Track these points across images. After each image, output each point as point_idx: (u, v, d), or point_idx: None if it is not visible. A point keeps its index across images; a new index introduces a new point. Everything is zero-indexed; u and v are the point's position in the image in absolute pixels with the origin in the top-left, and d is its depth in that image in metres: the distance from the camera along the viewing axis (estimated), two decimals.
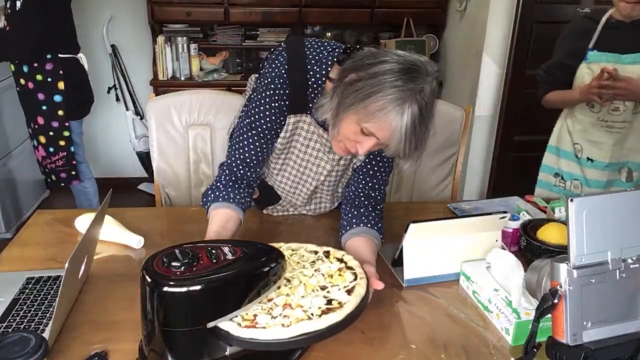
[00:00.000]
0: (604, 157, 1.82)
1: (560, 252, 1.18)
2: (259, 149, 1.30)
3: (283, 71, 1.23)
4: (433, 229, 1.20)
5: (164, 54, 3.37)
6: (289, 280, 1.02)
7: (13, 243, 1.36)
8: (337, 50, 1.25)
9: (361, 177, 1.36)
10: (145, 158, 3.58)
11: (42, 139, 2.69)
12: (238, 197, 1.28)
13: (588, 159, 1.84)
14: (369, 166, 1.35)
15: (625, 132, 1.77)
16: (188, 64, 3.42)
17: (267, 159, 1.36)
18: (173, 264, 0.88)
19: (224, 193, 1.27)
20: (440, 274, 1.24)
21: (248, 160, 1.30)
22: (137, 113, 3.68)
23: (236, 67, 3.61)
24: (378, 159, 1.34)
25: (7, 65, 2.75)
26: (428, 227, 1.19)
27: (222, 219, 1.22)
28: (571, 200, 0.75)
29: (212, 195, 1.28)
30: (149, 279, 0.86)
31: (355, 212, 1.33)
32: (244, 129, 1.29)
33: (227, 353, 0.91)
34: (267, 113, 1.26)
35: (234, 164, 1.31)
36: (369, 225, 1.30)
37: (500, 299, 1.08)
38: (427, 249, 1.21)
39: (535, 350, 0.83)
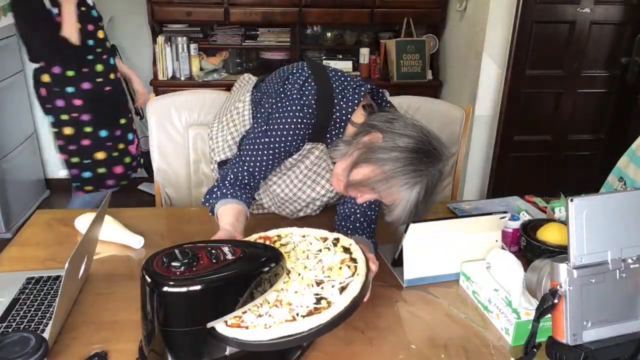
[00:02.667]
0: None
1: (560, 252, 1.18)
2: (270, 166, 1.31)
3: (313, 102, 1.25)
4: (433, 229, 1.20)
5: (164, 54, 3.37)
6: (288, 272, 1.02)
7: (13, 243, 1.36)
8: (362, 88, 1.28)
9: None
10: (145, 158, 3.58)
11: (134, 126, 2.73)
12: (244, 195, 1.29)
13: None
14: None
15: None
16: (188, 64, 3.41)
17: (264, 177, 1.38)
18: (173, 264, 0.88)
19: (231, 191, 1.28)
20: (440, 274, 1.24)
21: (256, 173, 1.31)
22: (137, 113, 3.68)
23: (236, 67, 3.60)
24: None
25: (12, 63, 2.70)
26: (428, 227, 1.19)
27: (233, 213, 1.24)
28: (571, 200, 0.75)
29: (218, 193, 1.28)
30: (149, 279, 0.86)
31: (351, 226, 1.34)
32: (261, 146, 1.28)
33: (227, 353, 0.91)
34: (290, 139, 1.26)
35: (239, 174, 1.31)
36: (365, 236, 1.31)
37: (500, 299, 1.08)
38: (427, 249, 1.21)
39: (535, 350, 0.83)
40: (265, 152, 1.28)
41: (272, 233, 1.16)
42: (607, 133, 3.15)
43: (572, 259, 0.77)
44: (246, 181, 1.31)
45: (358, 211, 1.36)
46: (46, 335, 0.95)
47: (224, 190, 1.28)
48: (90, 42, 2.29)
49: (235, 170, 1.31)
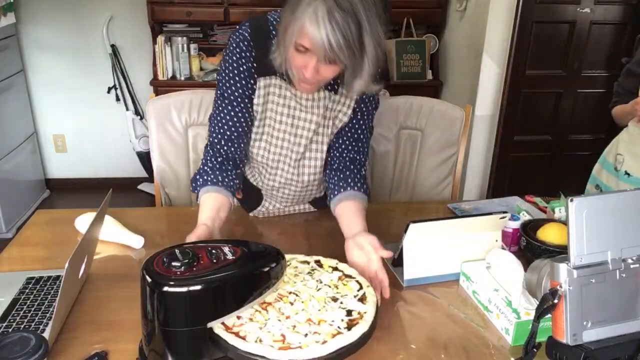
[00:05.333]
0: None
1: (560, 252, 1.18)
2: (235, 119, 1.31)
3: (247, 35, 1.27)
4: (433, 229, 1.20)
5: (164, 54, 3.37)
6: (297, 295, 1.02)
7: (13, 243, 1.36)
8: None
9: (344, 139, 1.39)
10: (145, 158, 3.58)
11: None
12: (227, 179, 1.29)
13: (626, 172, 1.70)
14: (352, 130, 1.38)
15: None
16: (188, 64, 3.41)
17: (247, 132, 1.36)
18: (173, 264, 0.88)
19: (212, 176, 1.28)
20: (440, 274, 1.24)
21: (228, 133, 1.31)
22: (137, 113, 3.68)
23: None
24: (361, 122, 1.38)
25: (12, 63, 2.65)
26: (428, 227, 1.19)
27: (214, 206, 1.24)
28: (571, 200, 0.75)
29: (201, 180, 1.29)
30: (149, 279, 0.86)
31: (341, 176, 1.36)
32: (218, 102, 1.32)
33: (227, 353, 0.91)
34: (237, 78, 1.28)
35: (216, 141, 1.32)
36: (355, 188, 1.33)
37: (500, 299, 1.08)
38: (427, 249, 1.21)
39: (535, 350, 0.83)
40: (224, 104, 1.30)
41: None
42: (607, 133, 3.15)
43: (572, 259, 0.77)
44: (225, 149, 1.31)
45: (346, 157, 1.38)
46: (46, 335, 0.95)
47: (205, 177, 1.29)
48: None
49: (211, 141, 1.33)
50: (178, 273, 0.87)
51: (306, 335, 0.91)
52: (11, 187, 3.17)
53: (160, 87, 3.34)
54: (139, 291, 0.89)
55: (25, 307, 1.08)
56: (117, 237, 1.35)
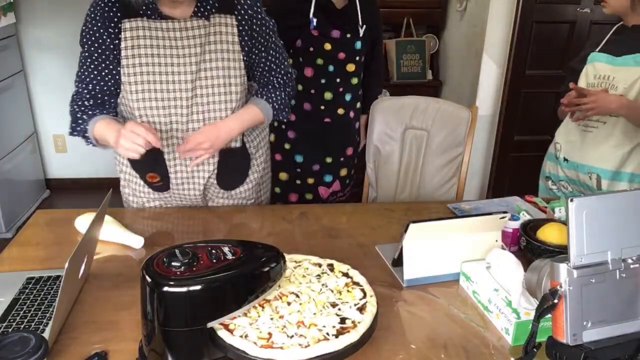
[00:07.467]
0: (576, 156, 1.76)
1: (560, 252, 1.18)
2: (101, 76, 1.37)
3: None
4: (433, 229, 1.20)
5: None
6: (297, 296, 1.02)
7: (13, 243, 1.36)
8: None
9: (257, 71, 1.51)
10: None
11: (344, 172, 2.28)
12: (104, 111, 1.40)
13: (564, 158, 1.80)
14: (261, 66, 1.50)
15: (598, 132, 1.70)
16: None
17: (114, 93, 1.40)
18: (173, 264, 0.88)
19: (89, 113, 1.38)
20: (440, 274, 1.24)
21: (98, 90, 1.38)
22: None
23: None
24: (262, 49, 1.47)
25: (12, 63, 2.65)
26: (428, 227, 1.19)
27: (109, 120, 1.34)
28: (571, 200, 0.75)
29: (85, 117, 1.38)
30: (149, 279, 0.87)
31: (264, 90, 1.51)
32: (81, 63, 1.37)
33: (227, 353, 0.91)
34: (96, 28, 1.33)
35: (85, 99, 1.39)
36: (259, 96, 1.49)
37: (500, 299, 1.08)
38: (427, 249, 1.21)
39: (535, 350, 0.83)
40: (88, 62, 1.37)
41: None
42: None
43: (572, 259, 0.77)
44: (89, 96, 1.38)
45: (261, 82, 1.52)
46: (46, 335, 0.95)
47: (85, 117, 1.37)
48: (331, 67, 2.06)
49: (78, 101, 1.40)
50: (178, 273, 0.87)
51: (292, 337, 0.91)
52: (11, 187, 3.17)
53: None
54: (139, 291, 0.89)
55: (25, 307, 1.08)
56: (117, 237, 1.35)
